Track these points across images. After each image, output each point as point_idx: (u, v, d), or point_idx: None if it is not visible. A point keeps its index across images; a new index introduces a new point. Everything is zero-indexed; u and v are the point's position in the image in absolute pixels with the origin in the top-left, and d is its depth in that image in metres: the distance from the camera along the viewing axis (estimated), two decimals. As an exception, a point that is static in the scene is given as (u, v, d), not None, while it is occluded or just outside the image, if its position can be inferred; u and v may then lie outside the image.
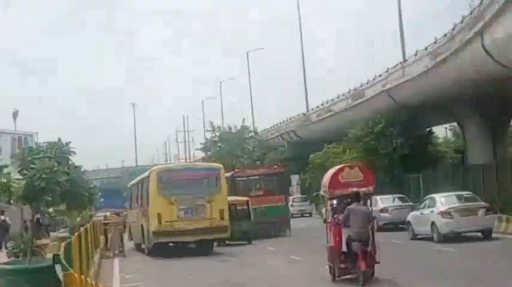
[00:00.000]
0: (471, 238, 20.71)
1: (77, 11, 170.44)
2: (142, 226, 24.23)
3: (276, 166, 34.96)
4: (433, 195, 22.49)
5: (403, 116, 34.66)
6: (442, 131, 45.33)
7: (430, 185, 31.24)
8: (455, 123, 39.85)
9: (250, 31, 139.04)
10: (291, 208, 36.60)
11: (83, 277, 6.78)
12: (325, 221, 16.66)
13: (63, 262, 7.16)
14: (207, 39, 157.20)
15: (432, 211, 20.97)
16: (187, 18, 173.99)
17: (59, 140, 18.91)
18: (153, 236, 22.59)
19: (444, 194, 22.35)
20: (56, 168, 16.62)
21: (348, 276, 13.73)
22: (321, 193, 15.42)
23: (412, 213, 23.21)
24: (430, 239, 20.95)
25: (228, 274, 16.74)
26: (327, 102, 48.50)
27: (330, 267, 14.21)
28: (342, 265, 13.71)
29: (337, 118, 43.93)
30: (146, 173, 25.08)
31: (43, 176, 15.74)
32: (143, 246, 24.57)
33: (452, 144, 44.01)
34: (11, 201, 26.58)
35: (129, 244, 26.72)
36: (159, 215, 22.16)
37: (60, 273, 6.34)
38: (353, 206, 13.74)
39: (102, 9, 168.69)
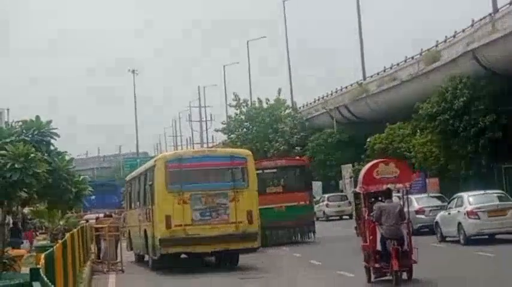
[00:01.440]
0: (501, 240, 19.69)
1: None
2: (145, 231, 22.09)
3: (298, 157, 33.67)
4: (462, 193, 21.62)
5: (494, 86, 29.90)
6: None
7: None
8: None
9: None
10: (326, 209, 34.94)
11: None
12: (357, 220, 18.57)
13: (44, 278, 5.69)
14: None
15: (459, 211, 19.76)
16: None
17: (38, 118, 14.83)
18: (160, 246, 20.23)
19: (474, 192, 21.36)
20: (33, 155, 12.69)
21: (385, 277, 12.95)
22: (357, 189, 15.10)
23: (441, 213, 21.40)
24: (458, 241, 20.27)
25: None
26: (390, 68, 41.53)
27: (365, 267, 13.54)
28: (377, 265, 13.01)
29: (404, 89, 38.02)
30: (151, 163, 23.14)
31: (16, 165, 12.16)
32: (147, 258, 22.46)
33: None
34: None
35: (128, 255, 24.33)
36: (167, 217, 19.66)
37: None
38: (384, 203, 13.12)
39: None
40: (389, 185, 13.15)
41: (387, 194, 13.24)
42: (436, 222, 21.76)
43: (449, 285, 12.63)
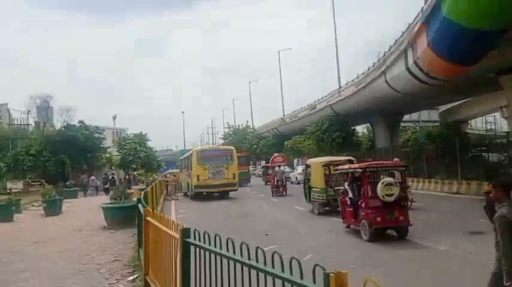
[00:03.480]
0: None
1: None
2: (188, 182, 27.66)
3: (245, 151, 49.70)
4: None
5: (338, 119, 41.38)
6: (360, 129, 52.91)
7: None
8: (368, 124, 46.57)
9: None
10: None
11: (154, 211, 6.93)
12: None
13: (143, 202, 8.34)
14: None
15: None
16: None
17: (141, 132, 25.70)
18: (194, 188, 25.98)
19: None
20: (138, 148, 22.53)
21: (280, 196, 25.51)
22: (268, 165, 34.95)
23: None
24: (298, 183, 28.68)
25: (238, 210, 19.75)
26: (295, 111, 57.01)
27: (271, 189, 27.44)
28: (275, 190, 26.93)
29: (300, 121, 51.16)
30: (190, 152, 29.10)
31: (131, 153, 21.48)
32: (188, 193, 27.96)
33: (366, 136, 51.02)
34: (112, 167, 38.51)
35: (180, 193, 30.16)
36: (198, 176, 25.81)
37: (141, 209, 7.15)
38: (278, 169, 27.46)
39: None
40: (280, 163, 30.32)
41: (279, 166, 28.01)
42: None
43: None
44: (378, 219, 10.70)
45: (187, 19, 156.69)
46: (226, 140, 75.86)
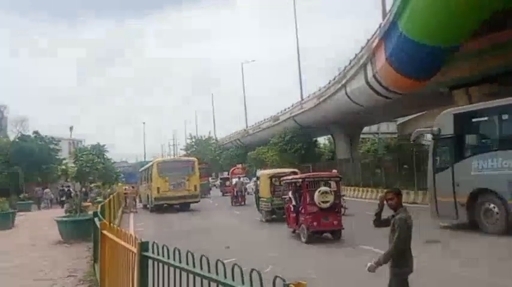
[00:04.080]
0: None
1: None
2: (147, 194, 27.03)
3: (205, 163, 48.79)
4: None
5: (301, 131, 41.76)
6: (322, 140, 53.33)
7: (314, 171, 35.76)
8: (329, 136, 47.05)
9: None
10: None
11: (111, 224, 6.68)
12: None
13: (100, 215, 8.21)
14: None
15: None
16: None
17: (98, 143, 22.82)
18: (154, 200, 25.40)
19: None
20: (95, 160, 20.40)
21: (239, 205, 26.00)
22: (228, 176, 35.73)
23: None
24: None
25: (199, 222, 19.61)
26: (258, 123, 57.19)
27: (231, 199, 28.08)
28: (235, 200, 27.83)
29: (264, 132, 51.74)
30: (151, 163, 28.50)
31: (87, 165, 19.68)
32: (148, 206, 27.29)
33: (327, 147, 51.67)
34: (68, 179, 36.72)
35: (139, 205, 29.60)
36: (158, 187, 25.32)
37: (97, 222, 7.00)
38: (236, 180, 28.37)
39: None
40: (239, 175, 30.71)
41: (239, 178, 28.72)
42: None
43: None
44: (315, 223, 12.10)
45: (149, 28, 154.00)
46: (188, 152, 75.50)
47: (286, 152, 42.08)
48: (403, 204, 5.05)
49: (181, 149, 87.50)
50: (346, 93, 28.93)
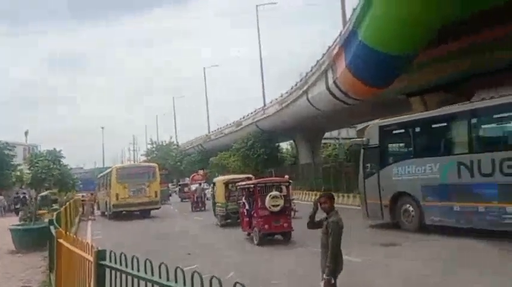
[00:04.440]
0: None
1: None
2: (106, 201, 26.49)
3: (165, 169, 48.49)
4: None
5: (263, 136, 41.92)
6: (285, 145, 53.29)
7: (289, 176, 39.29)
8: (292, 141, 47.57)
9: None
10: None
11: (67, 233, 6.59)
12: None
13: (55, 224, 8.06)
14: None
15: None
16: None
17: (54, 149, 23.35)
18: (113, 207, 24.93)
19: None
20: (51, 166, 20.46)
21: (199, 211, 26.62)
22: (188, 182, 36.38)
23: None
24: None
25: (159, 228, 19.41)
26: (220, 128, 56.80)
27: (191, 204, 28.90)
28: (195, 205, 28.67)
29: (226, 137, 51.44)
30: (110, 170, 27.78)
31: (43, 171, 19.63)
32: (106, 213, 26.71)
33: (290, 152, 51.98)
34: (23, 186, 35.53)
35: (97, 212, 29.04)
36: (117, 194, 24.88)
37: (53, 231, 6.86)
38: (197, 186, 29.44)
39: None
40: (199, 181, 32.29)
41: (200, 183, 30.28)
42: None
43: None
44: (266, 226, 12.86)
45: (108, 32, 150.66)
46: (149, 157, 74.09)
47: (248, 158, 42.15)
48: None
49: (141, 155, 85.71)
50: (308, 99, 29.21)
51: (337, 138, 49.87)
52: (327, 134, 45.27)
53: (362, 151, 15.33)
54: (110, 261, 3.29)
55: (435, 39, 15.25)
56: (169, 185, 46.94)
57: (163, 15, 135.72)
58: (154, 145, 79.36)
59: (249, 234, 13.88)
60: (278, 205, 12.88)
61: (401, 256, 10.09)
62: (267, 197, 12.87)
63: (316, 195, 29.09)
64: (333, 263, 4.95)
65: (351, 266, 9.15)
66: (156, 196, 25.72)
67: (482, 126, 12.27)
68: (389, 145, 14.85)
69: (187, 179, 48.19)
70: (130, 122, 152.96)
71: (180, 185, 46.46)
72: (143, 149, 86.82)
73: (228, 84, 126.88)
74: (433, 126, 13.41)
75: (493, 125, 12.22)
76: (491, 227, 11.15)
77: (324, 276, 4.95)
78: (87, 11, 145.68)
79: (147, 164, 35.72)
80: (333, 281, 4.98)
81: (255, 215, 13.19)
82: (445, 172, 12.29)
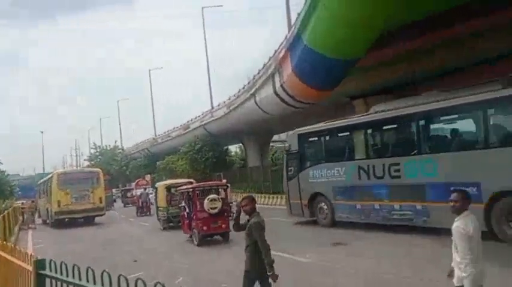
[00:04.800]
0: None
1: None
2: (47, 208, 25.55)
3: (109, 175, 47.19)
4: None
5: (211, 139, 41.77)
6: (233, 148, 53.58)
7: (228, 179, 36.06)
8: (240, 144, 47.57)
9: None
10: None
11: (5, 242, 6.20)
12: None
13: None
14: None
15: None
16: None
17: None
18: (54, 215, 24.07)
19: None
20: None
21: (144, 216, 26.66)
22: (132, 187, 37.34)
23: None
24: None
25: (104, 235, 19.08)
26: (167, 131, 55.88)
27: (136, 210, 29.14)
28: (140, 211, 28.78)
29: (174, 140, 50.60)
30: (50, 175, 26.84)
31: None
32: (48, 221, 25.77)
33: (239, 155, 51.90)
34: None
35: (38, 221, 27.89)
36: (59, 201, 24.07)
37: None
38: (141, 191, 30.21)
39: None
40: (144, 186, 34.03)
41: (145, 188, 30.82)
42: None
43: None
44: (205, 228, 13.48)
45: (45, 32, 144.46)
46: (93, 162, 72.09)
47: (196, 161, 41.94)
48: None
49: (85, 160, 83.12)
50: (256, 102, 29.28)
51: (285, 141, 50.81)
52: (275, 137, 45.94)
53: (285, 156, 17.26)
54: (50, 270, 3.18)
55: (379, 44, 15.88)
56: (114, 190, 46.08)
57: (108, 16, 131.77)
58: (98, 150, 76.95)
59: (190, 236, 14.40)
60: (216, 207, 13.51)
61: (356, 255, 10.36)
62: (206, 200, 13.61)
63: (265, 197, 29.33)
64: (269, 257, 5.14)
65: (301, 267, 9.39)
66: (100, 202, 25.09)
67: (375, 136, 14.07)
68: (307, 151, 16.34)
69: (133, 184, 47.27)
70: (72, 127, 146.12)
71: (122, 190, 45.98)
72: (86, 154, 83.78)
73: (176, 87, 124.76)
74: (339, 135, 15.16)
75: (383, 135, 14.01)
76: (384, 222, 12.91)
77: (268, 272, 5.22)
78: (34, 11, 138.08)
79: (90, 169, 34.73)
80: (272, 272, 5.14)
81: (194, 217, 13.88)
82: (349, 175, 14.04)
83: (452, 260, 4.42)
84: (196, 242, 13.42)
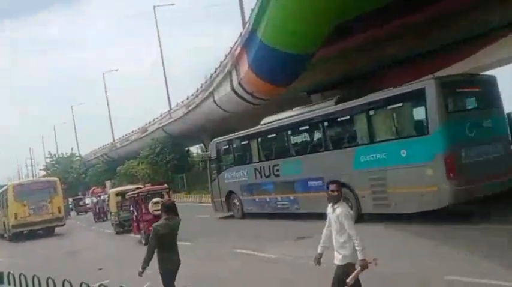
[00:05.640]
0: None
1: None
2: (4, 222, 24.89)
3: (65, 183, 44.01)
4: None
5: (172, 141, 41.40)
6: (195, 149, 53.03)
7: (190, 181, 39.06)
8: (202, 144, 46.48)
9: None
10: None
11: None
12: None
13: None
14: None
15: None
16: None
17: None
18: (12, 228, 23.48)
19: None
20: None
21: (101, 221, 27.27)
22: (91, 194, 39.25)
23: None
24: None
25: (66, 245, 19.16)
26: (126, 135, 55.18)
27: (94, 216, 30.60)
28: (97, 217, 30.64)
29: (133, 145, 50.18)
30: (5, 187, 26.02)
31: None
32: (5, 235, 25.12)
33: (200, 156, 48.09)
34: None
35: None
36: (15, 214, 23.50)
37: None
38: (97, 198, 31.18)
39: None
40: (100, 193, 33.61)
41: (100, 196, 30.82)
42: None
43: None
44: (150, 228, 13.98)
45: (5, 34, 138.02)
46: (49, 171, 70.13)
47: (157, 164, 41.54)
48: None
49: (40, 169, 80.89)
50: (215, 101, 29.26)
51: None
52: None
53: (208, 161, 20.86)
54: (9, 284, 3.07)
55: (333, 37, 16.07)
56: (70, 199, 45.32)
57: (57, 18, 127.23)
58: (54, 158, 75.27)
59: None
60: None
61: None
62: (150, 204, 15.43)
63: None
64: (147, 256, 6.36)
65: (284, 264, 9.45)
66: (59, 212, 24.63)
67: (264, 143, 17.91)
68: (222, 157, 19.95)
69: (80, 193, 46.63)
70: (24, 135, 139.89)
71: (74, 199, 46.51)
72: (42, 163, 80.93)
73: (134, 89, 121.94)
74: (242, 143, 18.77)
75: (269, 142, 17.83)
76: (274, 211, 16.72)
77: (140, 268, 6.42)
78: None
79: (46, 179, 33.74)
80: (141, 270, 6.33)
81: (141, 219, 15.71)
82: (250, 175, 17.73)
83: (318, 248, 5.21)
84: (143, 242, 14.25)
